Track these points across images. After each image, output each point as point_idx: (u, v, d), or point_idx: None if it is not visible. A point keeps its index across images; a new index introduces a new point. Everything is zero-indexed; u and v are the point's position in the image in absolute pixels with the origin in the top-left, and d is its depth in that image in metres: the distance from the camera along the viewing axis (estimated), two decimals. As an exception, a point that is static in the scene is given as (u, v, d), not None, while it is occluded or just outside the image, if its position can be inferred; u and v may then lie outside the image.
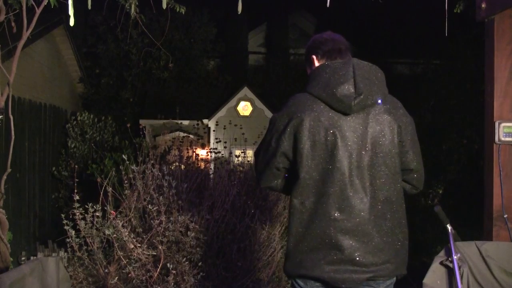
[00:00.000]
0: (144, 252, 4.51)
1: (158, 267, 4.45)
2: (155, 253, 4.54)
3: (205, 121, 10.04)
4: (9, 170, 3.34)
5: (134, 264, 4.52)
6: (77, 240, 4.69)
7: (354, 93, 2.05)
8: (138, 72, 11.11)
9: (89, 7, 3.41)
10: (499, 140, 3.39)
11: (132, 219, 4.78)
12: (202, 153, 7.96)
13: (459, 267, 2.84)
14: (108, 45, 11.21)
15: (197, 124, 9.83)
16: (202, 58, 12.02)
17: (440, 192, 9.81)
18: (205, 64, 12.26)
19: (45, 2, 3.31)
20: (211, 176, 5.78)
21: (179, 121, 9.61)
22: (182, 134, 9.33)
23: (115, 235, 4.56)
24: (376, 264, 2.05)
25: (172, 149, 7.71)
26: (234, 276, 4.80)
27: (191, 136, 9.55)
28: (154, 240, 4.56)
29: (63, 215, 4.72)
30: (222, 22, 12.94)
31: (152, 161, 5.06)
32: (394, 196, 2.11)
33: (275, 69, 12.55)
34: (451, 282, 2.93)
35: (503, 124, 3.38)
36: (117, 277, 4.56)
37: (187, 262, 4.49)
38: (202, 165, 6.35)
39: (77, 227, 4.69)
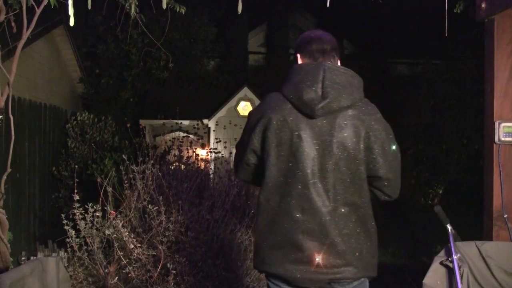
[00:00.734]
0: (144, 252, 4.51)
1: (158, 267, 4.45)
2: (155, 253, 4.54)
3: (205, 121, 10.04)
4: (9, 170, 3.34)
5: (134, 264, 4.52)
6: (77, 240, 4.69)
7: (319, 97, 2.05)
8: (138, 72, 11.11)
9: (89, 7, 3.41)
10: (499, 140, 3.39)
11: (132, 219, 4.78)
12: (202, 153, 7.97)
13: (459, 267, 2.84)
14: (108, 45, 11.21)
15: (197, 124, 9.83)
16: (202, 58, 12.02)
17: (440, 192, 9.81)
18: (205, 64, 12.26)
19: (45, 2, 3.30)
20: (211, 176, 5.78)
21: (179, 121, 9.62)
22: (182, 134, 9.33)
23: (115, 235, 4.56)
24: (337, 266, 2.05)
25: (172, 149, 7.71)
26: (234, 276, 4.80)
27: (191, 136, 9.56)
28: (154, 240, 4.56)
29: (63, 215, 4.72)
30: (222, 22, 12.94)
31: (152, 161, 5.06)
32: (359, 201, 2.10)
33: (275, 69, 12.55)
34: (451, 282, 2.94)
35: (503, 124, 3.38)
36: (117, 277, 4.56)
37: (187, 262, 4.49)
38: (202, 165, 6.36)
39: (77, 227, 4.69)
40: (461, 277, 2.85)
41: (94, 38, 11.51)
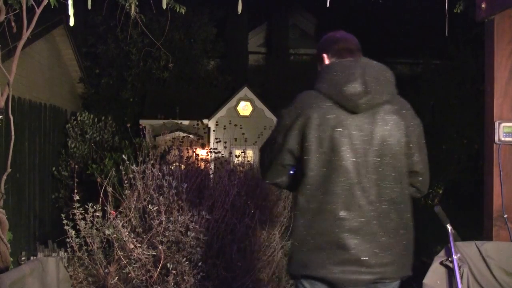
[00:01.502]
0: (144, 252, 4.51)
1: (158, 267, 4.45)
2: (155, 253, 4.54)
3: (205, 121, 10.04)
4: (9, 170, 3.34)
5: (134, 264, 4.51)
6: (77, 240, 4.69)
7: (362, 91, 2.03)
8: (138, 72, 11.12)
9: (89, 7, 3.41)
10: (499, 140, 3.39)
11: (132, 219, 4.78)
12: (202, 153, 7.96)
13: (459, 267, 2.84)
14: (108, 45, 11.22)
15: (197, 124, 9.83)
16: (202, 58, 12.03)
17: (440, 192, 9.82)
18: (205, 64, 12.27)
19: (45, 2, 3.31)
20: (211, 176, 5.78)
21: (179, 121, 9.61)
22: (182, 134, 9.33)
23: (115, 235, 4.56)
24: (382, 265, 2.03)
25: (172, 149, 7.70)
26: (234, 276, 4.80)
27: (191, 136, 9.55)
28: (154, 240, 4.55)
29: (63, 215, 4.71)
30: (222, 22, 12.95)
31: (152, 161, 5.05)
32: (400, 197, 2.09)
33: (275, 69, 12.56)
34: (451, 282, 2.94)
35: (503, 124, 3.38)
36: (117, 277, 4.55)
37: (187, 262, 4.49)
38: (202, 165, 6.35)
39: (77, 227, 4.68)
40: (461, 277, 2.86)
41: (94, 38, 11.51)
